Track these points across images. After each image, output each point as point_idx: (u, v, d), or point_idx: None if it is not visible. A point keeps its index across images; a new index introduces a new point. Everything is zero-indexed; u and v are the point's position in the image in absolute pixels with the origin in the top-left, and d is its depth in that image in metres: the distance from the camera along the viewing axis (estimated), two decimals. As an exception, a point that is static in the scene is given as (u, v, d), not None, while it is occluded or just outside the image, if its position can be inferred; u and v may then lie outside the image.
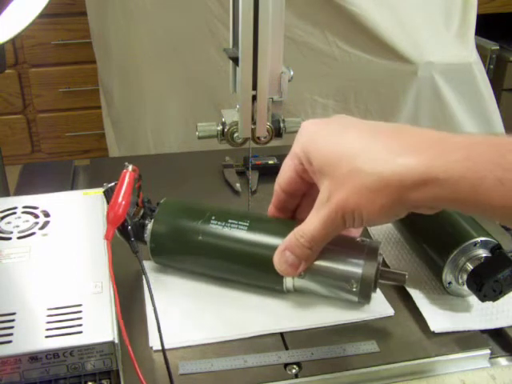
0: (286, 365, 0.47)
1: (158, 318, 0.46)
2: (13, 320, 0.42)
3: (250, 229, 0.53)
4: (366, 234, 0.63)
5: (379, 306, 0.53)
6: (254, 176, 0.74)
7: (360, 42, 1.19)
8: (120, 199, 0.50)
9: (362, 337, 0.50)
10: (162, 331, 0.45)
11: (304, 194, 0.52)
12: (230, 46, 0.64)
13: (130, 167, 0.53)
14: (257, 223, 0.54)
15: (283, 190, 0.51)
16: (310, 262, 0.49)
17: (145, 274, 0.49)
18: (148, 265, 0.56)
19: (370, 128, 0.45)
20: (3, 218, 0.54)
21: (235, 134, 0.66)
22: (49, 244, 0.51)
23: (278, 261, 0.49)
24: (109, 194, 0.52)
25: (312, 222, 0.46)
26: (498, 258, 0.51)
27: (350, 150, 0.43)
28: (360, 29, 1.17)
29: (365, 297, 0.51)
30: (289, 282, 0.52)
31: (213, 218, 0.54)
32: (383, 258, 0.50)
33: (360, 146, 0.43)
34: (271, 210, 0.54)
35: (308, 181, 0.49)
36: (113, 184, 0.52)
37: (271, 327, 0.51)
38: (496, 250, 0.52)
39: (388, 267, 0.57)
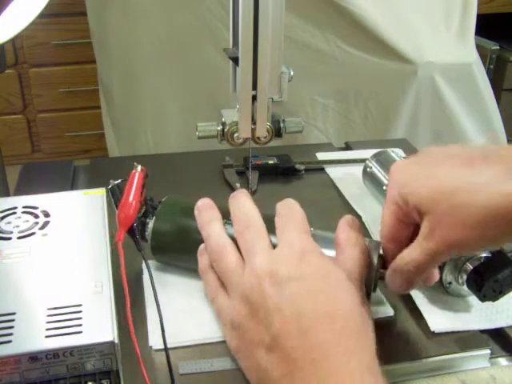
0: (285, 365, 0.47)
1: (161, 316, 0.46)
2: (13, 320, 0.42)
3: None
4: (366, 233, 0.63)
5: (379, 306, 0.53)
6: (254, 176, 0.74)
7: (360, 42, 1.19)
8: (131, 199, 0.51)
9: (361, 337, 0.50)
10: (162, 331, 0.45)
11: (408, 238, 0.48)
12: (230, 46, 0.64)
13: (139, 167, 0.53)
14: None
15: (390, 241, 0.48)
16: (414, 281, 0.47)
17: (149, 271, 0.49)
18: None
19: (462, 156, 0.43)
20: (3, 217, 0.54)
21: (235, 134, 0.66)
22: (49, 244, 0.51)
23: (388, 280, 0.48)
24: (115, 192, 0.52)
25: (414, 253, 0.44)
26: (498, 258, 0.51)
27: (447, 185, 0.41)
28: (360, 29, 1.17)
29: (365, 297, 0.51)
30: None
31: None
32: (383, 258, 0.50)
33: (457, 179, 0.41)
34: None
35: (412, 223, 0.46)
36: (119, 181, 0.52)
37: (271, 327, 0.51)
38: (496, 249, 0.52)
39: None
